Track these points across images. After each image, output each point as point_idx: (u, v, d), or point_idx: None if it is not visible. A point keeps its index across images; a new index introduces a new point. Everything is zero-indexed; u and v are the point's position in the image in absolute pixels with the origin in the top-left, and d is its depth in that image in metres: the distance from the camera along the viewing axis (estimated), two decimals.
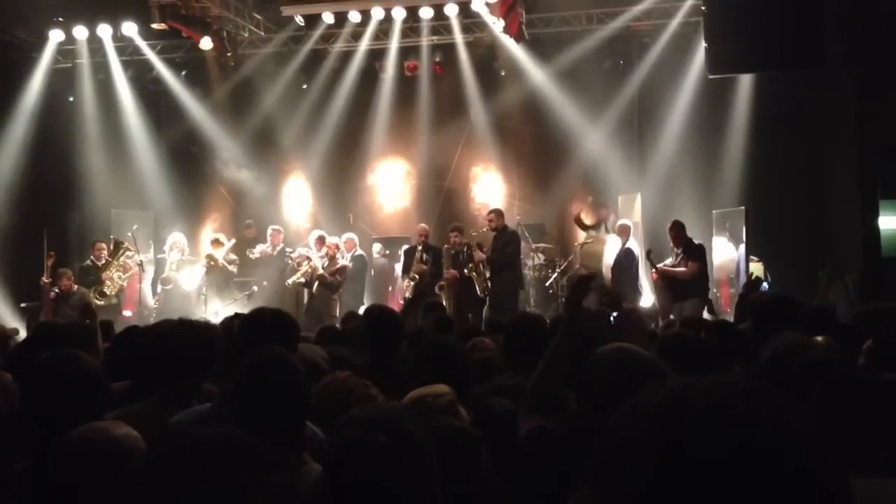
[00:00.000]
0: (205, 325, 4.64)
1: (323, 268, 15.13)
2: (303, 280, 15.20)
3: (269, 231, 16.50)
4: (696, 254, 13.14)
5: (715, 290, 15.38)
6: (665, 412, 1.14)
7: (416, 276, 14.73)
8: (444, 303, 14.37)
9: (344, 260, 15.41)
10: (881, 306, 6.22)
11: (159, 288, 16.40)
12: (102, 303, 15.09)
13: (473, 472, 3.11)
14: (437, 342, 4.80)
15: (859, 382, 3.39)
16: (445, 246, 15.07)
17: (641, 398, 1.18)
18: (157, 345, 4.55)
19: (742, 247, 14.94)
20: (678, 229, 13.33)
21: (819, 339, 4.98)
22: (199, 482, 1.90)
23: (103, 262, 15.62)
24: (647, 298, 14.44)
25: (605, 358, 3.26)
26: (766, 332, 5.20)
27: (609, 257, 14.97)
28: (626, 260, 14.55)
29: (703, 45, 13.76)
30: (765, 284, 13.20)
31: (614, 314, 7.86)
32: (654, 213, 15.83)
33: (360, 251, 16.10)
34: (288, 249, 16.19)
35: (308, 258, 15.23)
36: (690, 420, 1.11)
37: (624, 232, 14.76)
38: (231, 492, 1.91)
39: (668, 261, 13.48)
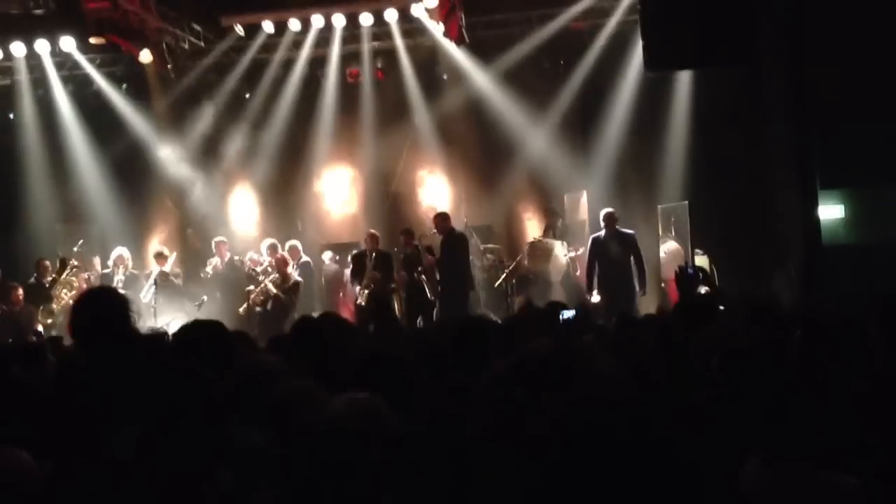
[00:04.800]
0: None
1: (274, 284, 15.11)
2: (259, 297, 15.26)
3: (213, 244, 16.48)
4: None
5: (662, 285, 15.57)
6: None
7: (372, 284, 14.75)
8: (396, 306, 14.47)
9: (293, 271, 15.40)
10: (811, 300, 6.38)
11: None
12: (50, 321, 14.96)
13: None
14: (374, 351, 4.74)
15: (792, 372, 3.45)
16: (395, 249, 15.13)
17: None
18: None
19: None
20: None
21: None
22: None
23: (49, 279, 15.49)
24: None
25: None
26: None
27: (561, 259, 15.17)
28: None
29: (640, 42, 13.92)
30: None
31: (565, 314, 7.96)
32: (600, 210, 15.97)
33: (305, 258, 16.11)
34: (236, 258, 16.21)
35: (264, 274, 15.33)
36: None
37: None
38: None
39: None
